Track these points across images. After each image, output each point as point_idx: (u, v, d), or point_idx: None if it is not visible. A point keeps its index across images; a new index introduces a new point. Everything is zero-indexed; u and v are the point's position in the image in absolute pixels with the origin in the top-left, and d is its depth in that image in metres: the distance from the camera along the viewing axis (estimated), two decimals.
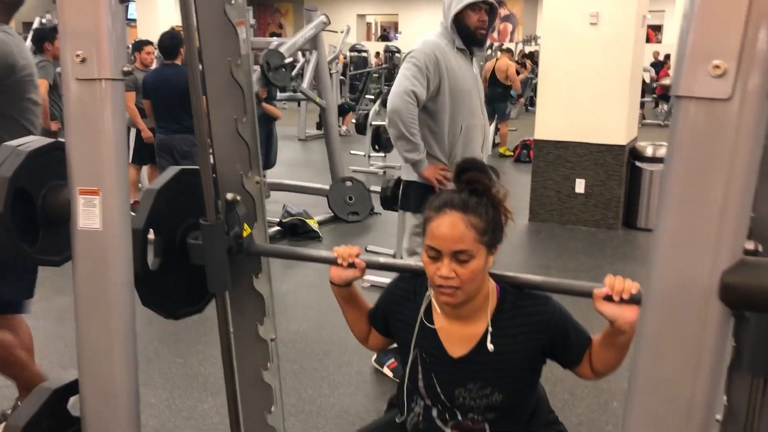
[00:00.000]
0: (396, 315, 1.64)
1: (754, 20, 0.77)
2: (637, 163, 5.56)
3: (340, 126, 10.57)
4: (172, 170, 1.63)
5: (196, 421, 2.71)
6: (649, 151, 5.55)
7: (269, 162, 5.64)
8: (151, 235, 1.53)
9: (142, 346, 3.39)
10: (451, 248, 1.40)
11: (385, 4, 23.77)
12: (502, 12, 19.56)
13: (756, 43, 0.77)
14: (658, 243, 0.85)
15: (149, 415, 2.73)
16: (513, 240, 5.26)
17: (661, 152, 5.48)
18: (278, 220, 5.21)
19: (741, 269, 0.81)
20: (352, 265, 1.57)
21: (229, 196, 1.60)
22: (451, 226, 1.41)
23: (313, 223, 5.29)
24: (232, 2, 1.61)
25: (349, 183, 5.84)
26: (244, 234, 1.62)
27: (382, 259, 1.66)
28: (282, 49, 4.71)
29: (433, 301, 1.56)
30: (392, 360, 3.07)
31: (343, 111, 10.81)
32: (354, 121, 8.68)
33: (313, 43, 5.63)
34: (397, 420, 1.73)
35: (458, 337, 1.53)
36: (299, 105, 10.65)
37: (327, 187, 5.90)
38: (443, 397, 1.55)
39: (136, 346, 1.43)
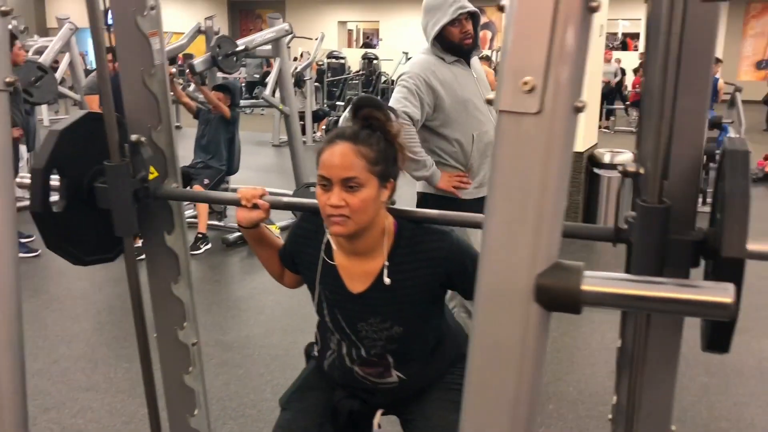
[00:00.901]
0: (301, 255, 1.67)
1: (558, 40, 0.82)
2: (596, 170, 5.65)
3: (314, 132, 10.63)
4: (77, 113, 1.64)
5: (135, 425, 2.73)
6: (606, 158, 5.64)
7: (232, 168, 5.67)
8: None
9: (90, 351, 3.41)
10: (341, 175, 1.44)
11: (366, 10, 23.85)
12: (483, 19, 19.69)
13: (560, 61, 0.83)
14: (484, 249, 0.90)
15: (89, 420, 2.75)
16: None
17: (619, 159, 5.58)
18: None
19: (554, 272, 0.86)
20: (256, 207, 1.60)
21: (134, 137, 1.64)
22: (341, 155, 1.44)
23: (274, 229, 5.31)
24: (145, 14, 1.65)
25: (312, 188, 5.87)
26: (150, 177, 1.65)
27: (285, 199, 1.67)
28: (240, 42, 4.77)
29: (331, 238, 1.59)
30: None
31: (317, 117, 10.87)
32: (325, 126, 8.73)
33: (276, 50, 5.67)
34: (312, 354, 1.80)
35: (357, 273, 1.57)
36: (281, 113, 10.68)
37: (290, 192, 5.93)
38: (348, 330, 1.61)
39: (22, 343, 1.46)
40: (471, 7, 2.73)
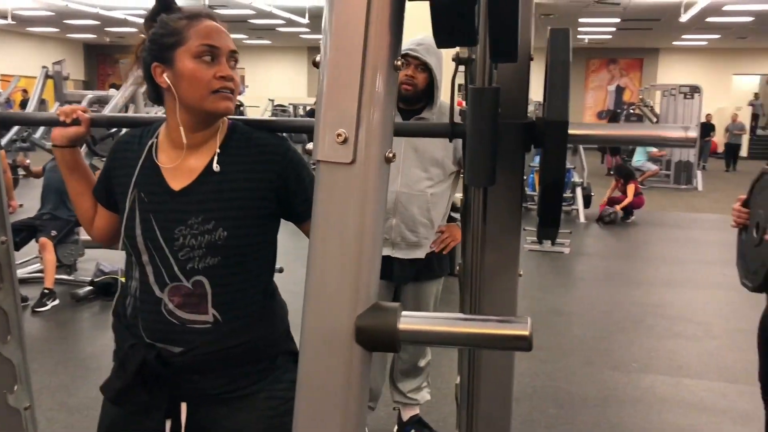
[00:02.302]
0: (118, 168, 1.51)
1: (367, 96, 0.88)
2: (452, 214, 5.90)
3: None
4: None
5: None
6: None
7: None
8: None
9: None
10: (230, 46, 1.39)
11: None
12: None
13: (369, 115, 0.89)
14: (307, 294, 0.93)
15: None
16: None
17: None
18: (90, 279, 4.97)
19: (372, 313, 0.90)
20: (77, 122, 1.50)
21: None
22: (220, 28, 1.40)
23: None
24: None
25: None
26: None
27: (109, 114, 1.60)
28: (105, 112, 4.59)
29: (162, 137, 1.47)
30: None
31: None
32: None
33: (133, 98, 5.52)
34: (119, 310, 1.52)
35: (184, 169, 1.44)
36: None
37: None
38: (162, 241, 1.41)
39: None
40: (416, 53, 2.52)
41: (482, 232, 1.28)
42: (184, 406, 1.46)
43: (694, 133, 1.07)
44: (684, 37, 18.74)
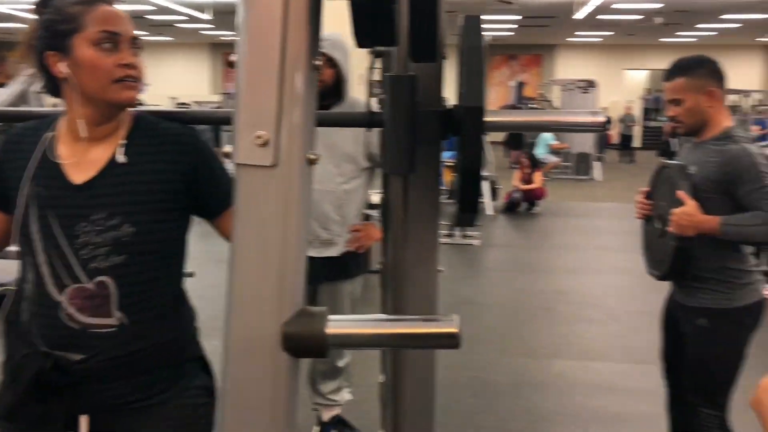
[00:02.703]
0: (10, 161, 1.39)
1: (287, 97, 0.86)
2: (368, 212, 5.92)
3: None
4: None
5: None
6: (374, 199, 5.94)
7: None
8: None
9: None
10: (131, 32, 1.33)
11: None
12: None
13: (290, 116, 0.86)
14: (230, 303, 0.90)
15: None
16: None
17: None
18: None
19: (299, 319, 0.88)
20: None
21: None
22: (120, 12, 1.34)
23: None
24: None
25: None
26: None
27: None
28: None
29: (61, 129, 1.38)
30: None
31: None
32: None
33: (23, 98, 5.19)
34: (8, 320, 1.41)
35: (85, 163, 1.35)
36: None
37: None
38: (62, 240, 1.32)
39: None
40: (321, 48, 2.51)
41: (403, 222, 1.29)
42: (84, 419, 1.37)
43: (601, 118, 1.11)
44: (579, 33, 19.57)
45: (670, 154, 15.51)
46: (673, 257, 2.24)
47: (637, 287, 5.41)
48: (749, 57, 21.14)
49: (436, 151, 1.19)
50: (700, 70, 2.24)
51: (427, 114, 1.13)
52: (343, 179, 2.60)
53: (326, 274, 2.66)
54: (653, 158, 15.60)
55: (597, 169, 13.43)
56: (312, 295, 2.71)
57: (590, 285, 5.83)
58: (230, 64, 0.90)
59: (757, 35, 19.16)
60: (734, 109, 17.44)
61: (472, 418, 3.29)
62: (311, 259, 2.88)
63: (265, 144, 0.86)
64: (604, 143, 16.17)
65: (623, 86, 21.90)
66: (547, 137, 12.11)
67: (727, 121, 2.26)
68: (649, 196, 2.47)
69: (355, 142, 2.58)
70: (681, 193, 2.17)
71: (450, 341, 0.87)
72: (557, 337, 4.46)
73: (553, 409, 3.40)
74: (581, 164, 13.37)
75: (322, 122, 1.48)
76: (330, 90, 2.56)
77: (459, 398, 3.47)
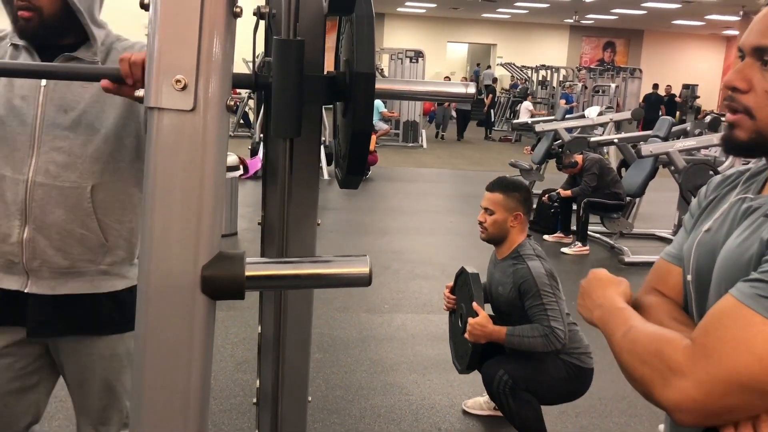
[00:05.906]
0: None
1: (206, 42, 0.86)
2: None
3: None
4: None
5: None
6: None
7: None
8: None
9: None
10: None
11: None
12: None
13: (210, 59, 0.87)
14: (145, 247, 0.89)
15: None
16: None
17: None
18: None
19: (218, 263, 0.90)
20: None
21: None
22: None
23: None
24: None
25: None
26: None
27: None
28: None
29: None
30: None
31: None
32: None
33: None
34: None
35: None
36: None
37: None
38: None
39: None
40: None
41: (288, 182, 1.32)
42: None
43: (473, 89, 1.22)
44: (407, 4, 20.11)
45: (490, 125, 16.58)
46: (471, 357, 2.67)
47: (465, 247, 5.81)
48: (557, 36, 23.04)
49: (318, 116, 1.24)
50: (515, 194, 2.72)
51: (311, 79, 1.16)
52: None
53: (64, 324, 1.62)
54: (474, 128, 16.58)
55: (423, 137, 14.03)
56: (39, 361, 1.69)
57: (423, 244, 6.15)
58: (144, 6, 0.89)
59: (564, 16, 20.91)
60: (543, 83, 18.97)
61: (321, 372, 3.39)
62: (36, 298, 1.68)
63: (184, 88, 0.86)
64: (446, 115, 16.48)
65: (447, 58, 22.91)
66: (379, 104, 12.41)
67: (520, 239, 2.70)
68: (453, 291, 2.92)
69: (120, 107, 1.58)
70: (476, 305, 2.60)
71: (363, 280, 0.94)
72: (396, 293, 4.69)
73: (396, 359, 3.61)
74: (410, 132, 13.87)
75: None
76: (55, 23, 1.53)
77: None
